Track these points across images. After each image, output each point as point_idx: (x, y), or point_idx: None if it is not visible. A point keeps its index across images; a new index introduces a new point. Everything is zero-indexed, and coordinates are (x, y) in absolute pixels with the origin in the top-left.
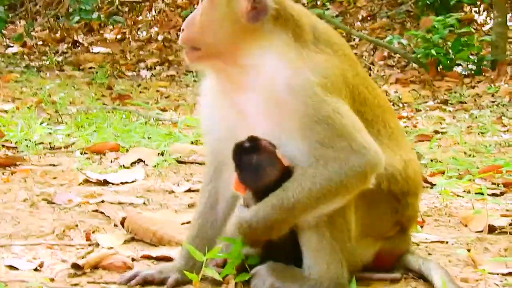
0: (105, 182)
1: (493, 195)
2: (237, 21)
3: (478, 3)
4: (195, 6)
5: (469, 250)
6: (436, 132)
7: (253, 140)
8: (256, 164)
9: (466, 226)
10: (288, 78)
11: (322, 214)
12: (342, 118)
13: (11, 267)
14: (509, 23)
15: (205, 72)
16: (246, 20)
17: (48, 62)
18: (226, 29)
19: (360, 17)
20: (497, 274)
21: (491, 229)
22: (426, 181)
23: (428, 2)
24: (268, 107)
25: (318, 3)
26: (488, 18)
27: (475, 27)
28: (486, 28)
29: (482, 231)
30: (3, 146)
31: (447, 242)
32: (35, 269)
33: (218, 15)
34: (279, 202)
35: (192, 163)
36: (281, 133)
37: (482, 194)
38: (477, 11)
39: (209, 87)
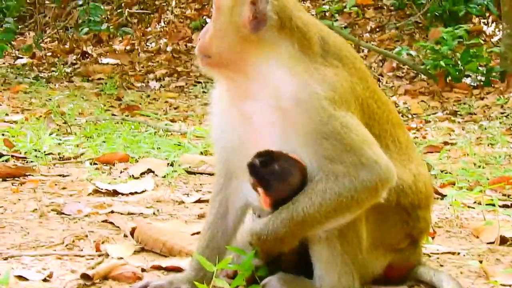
0: (115, 193)
1: (504, 206)
2: (240, 31)
3: (487, 14)
4: (204, 17)
5: (481, 262)
6: (446, 143)
7: (263, 153)
8: (279, 170)
9: (477, 237)
10: (293, 90)
11: (332, 228)
12: (351, 133)
13: (21, 277)
14: None
15: (216, 80)
16: (248, 29)
17: (57, 73)
18: (231, 38)
19: (368, 28)
20: (509, 285)
21: (503, 240)
22: (436, 192)
23: (436, 13)
24: (273, 116)
25: (327, 14)
26: (497, 29)
27: (484, 39)
28: (495, 39)
29: (493, 242)
30: (12, 156)
31: (458, 254)
32: (45, 280)
33: (223, 24)
34: (289, 216)
35: (201, 173)
36: (288, 142)
37: (493, 205)
38: (486, 23)
39: (218, 96)
